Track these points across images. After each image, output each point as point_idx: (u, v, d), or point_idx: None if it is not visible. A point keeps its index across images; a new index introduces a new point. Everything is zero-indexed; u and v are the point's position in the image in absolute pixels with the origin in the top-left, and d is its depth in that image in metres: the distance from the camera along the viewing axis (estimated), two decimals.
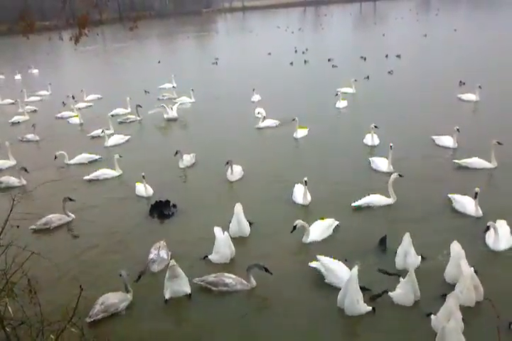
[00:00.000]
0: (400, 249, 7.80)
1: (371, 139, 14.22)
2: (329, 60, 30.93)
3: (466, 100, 18.66)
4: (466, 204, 9.57)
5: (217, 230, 8.67)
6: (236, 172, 12.27)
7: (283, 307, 7.28)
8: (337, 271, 7.48)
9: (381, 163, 12.21)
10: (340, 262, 7.67)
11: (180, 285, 7.57)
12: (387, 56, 30.65)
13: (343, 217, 9.82)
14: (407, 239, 7.67)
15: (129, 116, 20.31)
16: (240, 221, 9.22)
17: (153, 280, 8.14)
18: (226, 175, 12.29)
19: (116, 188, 12.78)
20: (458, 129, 13.13)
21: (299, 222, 8.71)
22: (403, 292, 6.93)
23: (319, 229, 9.04)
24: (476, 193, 9.11)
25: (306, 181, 10.31)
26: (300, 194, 10.64)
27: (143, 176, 11.35)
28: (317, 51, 36.97)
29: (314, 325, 6.87)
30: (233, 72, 30.73)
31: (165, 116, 19.53)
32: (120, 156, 13.39)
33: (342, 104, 19.44)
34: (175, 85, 25.58)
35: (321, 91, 22.01)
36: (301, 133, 15.69)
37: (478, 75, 21.72)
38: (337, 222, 9.39)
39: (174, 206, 10.87)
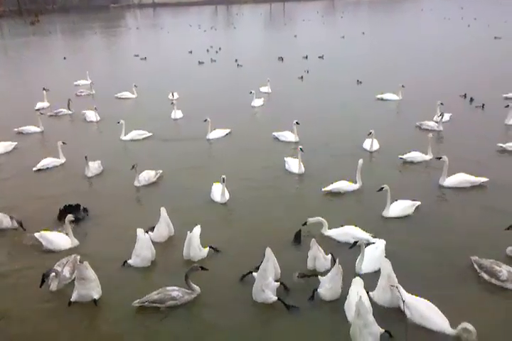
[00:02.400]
0: (309, 252, 7.86)
1: (294, 136, 14.52)
2: (236, 60, 31.22)
3: (387, 99, 19.64)
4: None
5: (140, 232, 8.27)
6: (143, 177, 11.70)
7: (205, 302, 7.20)
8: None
9: (292, 164, 12.29)
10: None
11: (88, 288, 7.15)
12: (306, 57, 31.39)
13: (261, 214, 9.94)
14: (314, 245, 7.72)
15: (61, 109, 19.40)
16: (168, 224, 9.00)
17: None
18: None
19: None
20: (371, 132, 13.32)
21: None
22: (331, 286, 7.02)
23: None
24: (382, 188, 9.45)
25: (224, 179, 10.26)
26: (218, 192, 10.56)
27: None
28: (231, 50, 37.17)
29: (232, 314, 6.92)
30: (164, 69, 30.15)
31: (87, 119, 18.25)
32: (64, 143, 13.39)
33: (257, 102, 19.64)
34: (90, 81, 24.59)
35: (239, 91, 21.99)
36: (214, 134, 15.49)
37: (399, 75, 23.22)
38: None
39: (85, 210, 10.28)
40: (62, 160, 13.48)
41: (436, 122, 15.40)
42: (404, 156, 12.62)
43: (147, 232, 8.73)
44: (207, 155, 14.31)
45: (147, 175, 11.80)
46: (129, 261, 8.19)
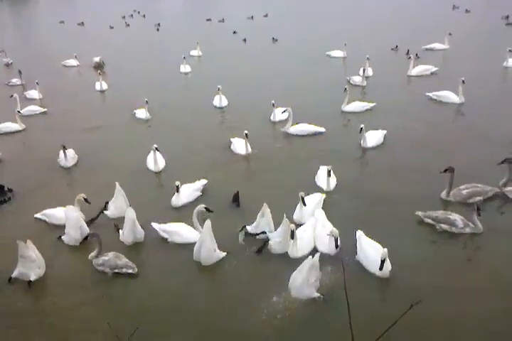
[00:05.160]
0: (262, 219, 7.66)
1: (219, 101, 14.25)
2: (158, 24, 30.06)
3: (334, 56, 19.92)
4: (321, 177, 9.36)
5: (70, 210, 7.89)
6: (70, 157, 10.87)
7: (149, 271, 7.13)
8: (180, 231, 7.68)
9: (238, 145, 11.14)
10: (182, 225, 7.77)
11: (27, 268, 6.88)
12: (252, 17, 30.45)
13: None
14: (266, 209, 7.60)
15: (13, 79, 18.82)
16: (125, 197, 8.57)
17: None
18: (58, 160, 10.94)
19: None
20: (273, 104, 12.74)
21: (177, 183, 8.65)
22: (280, 240, 7.20)
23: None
24: (329, 171, 8.87)
25: (156, 148, 10.06)
26: (151, 160, 10.33)
27: None
28: (155, 15, 35.64)
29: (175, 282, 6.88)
30: (99, 35, 28.63)
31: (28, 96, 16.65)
32: (19, 112, 13.50)
33: (187, 68, 18.98)
34: None
35: (167, 56, 21.24)
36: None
37: (344, 32, 23.13)
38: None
39: (10, 190, 9.66)
40: (21, 127, 13.46)
41: (361, 77, 15.58)
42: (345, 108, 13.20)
43: (104, 210, 8.48)
44: (138, 128, 13.43)
45: (72, 153, 11.02)
46: (63, 237, 7.89)
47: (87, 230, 7.85)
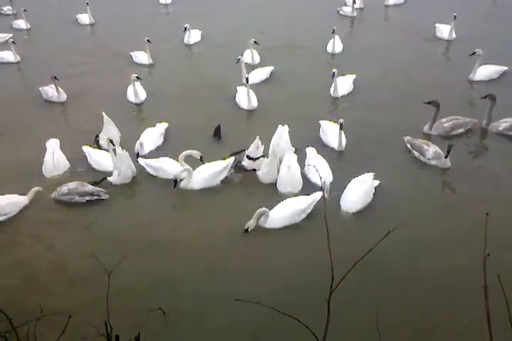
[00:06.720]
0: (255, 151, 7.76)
1: (187, 37, 13.35)
2: None
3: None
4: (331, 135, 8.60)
5: (49, 144, 8.00)
6: (62, 92, 10.44)
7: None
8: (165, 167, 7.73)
9: (243, 98, 9.88)
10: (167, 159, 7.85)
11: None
12: None
13: (178, 113, 9.65)
14: (259, 142, 7.70)
15: (4, 7, 17.06)
16: (114, 127, 8.67)
17: None
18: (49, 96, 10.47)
19: None
20: (255, 41, 11.60)
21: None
22: (267, 170, 7.47)
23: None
24: (341, 124, 8.06)
25: (137, 77, 9.99)
26: (131, 92, 10.20)
27: None
28: None
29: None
30: None
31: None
32: (13, 42, 12.62)
33: None
34: None
35: None
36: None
37: None
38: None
39: None
40: (17, 58, 12.75)
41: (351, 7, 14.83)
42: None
43: (97, 141, 8.40)
44: (122, 63, 12.43)
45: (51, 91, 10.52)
46: (43, 168, 7.92)
47: (64, 163, 7.97)
